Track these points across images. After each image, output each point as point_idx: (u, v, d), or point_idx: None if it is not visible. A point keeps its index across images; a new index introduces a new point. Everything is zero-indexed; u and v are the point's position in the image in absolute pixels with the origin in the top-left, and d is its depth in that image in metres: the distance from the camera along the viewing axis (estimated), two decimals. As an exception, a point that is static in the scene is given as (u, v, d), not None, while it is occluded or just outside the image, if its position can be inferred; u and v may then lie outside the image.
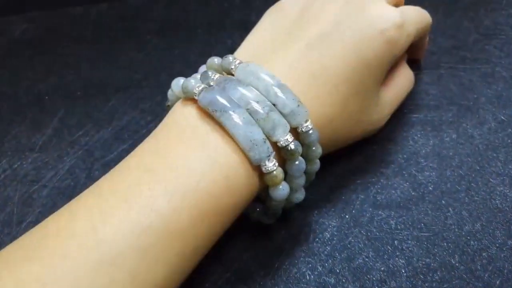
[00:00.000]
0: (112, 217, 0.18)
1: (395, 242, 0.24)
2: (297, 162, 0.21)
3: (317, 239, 0.24)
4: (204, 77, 0.22)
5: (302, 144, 0.22)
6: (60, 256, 0.17)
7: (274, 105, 0.21)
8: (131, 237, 0.18)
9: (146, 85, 0.33)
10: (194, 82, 0.21)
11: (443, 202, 0.25)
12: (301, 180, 0.22)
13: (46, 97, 0.33)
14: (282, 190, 0.21)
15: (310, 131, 0.21)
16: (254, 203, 0.23)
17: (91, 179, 0.28)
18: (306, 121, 0.21)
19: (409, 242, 0.24)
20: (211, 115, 0.20)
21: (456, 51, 0.33)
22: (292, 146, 0.21)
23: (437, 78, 0.32)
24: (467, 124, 0.29)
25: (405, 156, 0.27)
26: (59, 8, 0.37)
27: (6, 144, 0.30)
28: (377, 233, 0.24)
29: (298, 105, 0.21)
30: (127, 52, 0.35)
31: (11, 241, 0.25)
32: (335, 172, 0.27)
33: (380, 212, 0.25)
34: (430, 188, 0.26)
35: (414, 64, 0.32)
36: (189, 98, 0.22)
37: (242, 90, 0.21)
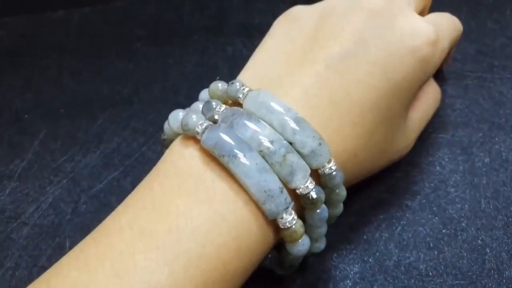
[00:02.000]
0: None
1: (427, 292, 0.21)
2: (318, 211, 0.18)
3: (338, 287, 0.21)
4: (208, 109, 0.19)
5: (324, 187, 0.18)
6: None
7: (290, 143, 0.17)
8: None
9: (137, 101, 0.29)
10: (195, 119, 0.18)
11: (479, 242, 0.22)
12: (323, 230, 0.19)
13: (26, 116, 0.29)
14: (302, 246, 0.18)
15: (334, 173, 0.18)
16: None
17: (77, 215, 0.25)
18: (329, 162, 0.18)
19: (443, 292, 0.21)
20: (217, 159, 0.17)
21: (482, 58, 0.30)
22: (313, 194, 0.17)
23: (463, 90, 0.28)
24: (500, 145, 0.26)
25: (432, 185, 0.24)
26: (36, 12, 0.33)
27: (-20, 172, 0.27)
28: (406, 281, 0.21)
29: (320, 144, 0.18)
30: (114, 62, 0.31)
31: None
32: (355, 206, 0.24)
33: (407, 254, 0.22)
34: (464, 225, 0.23)
35: (436, 73, 0.29)
36: (191, 136, 0.18)
37: (253, 127, 0.17)
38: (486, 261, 0.22)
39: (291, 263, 0.20)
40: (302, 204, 0.18)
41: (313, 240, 0.19)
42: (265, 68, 0.21)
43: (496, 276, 0.21)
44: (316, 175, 0.18)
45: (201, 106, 0.19)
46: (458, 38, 0.25)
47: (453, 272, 0.21)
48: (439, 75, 0.29)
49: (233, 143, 0.17)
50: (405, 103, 0.21)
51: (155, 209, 0.17)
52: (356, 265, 0.22)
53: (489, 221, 0.23)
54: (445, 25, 0.23)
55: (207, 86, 0.30)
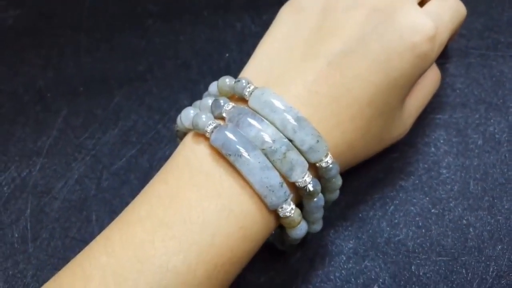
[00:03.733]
0: (126, 280, 0.18)
1: (412, 267, 0.23)
2: (315, 199, 0.20)
3: (332, 262, 0.24)
4: (216, 106, 0.20)
5: (321, 178, 0.20)
6: None
7: (291, 140, 0.19)
8: None
9: (151, 77, 0.31)
10: (205, 119, 0.20)
11: (464, 221, 0.24)
12: (319, 214, 0.21)
13: (48, 94, 0.31)
14: (300, 230, 0.20)
15: (330, 166, 0.20)
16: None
17: (101, 191, 0.27)
18: (326, 156, 0.20)
19: (427, 267, 0.23)
20: (225, 157, 0.19)
21: (488, 33, 0.30)
22: (311, 187, 0.19)
23: (465, 68, 0.29)
24: (494, 127, 0.27)
25: (426, 166, 0.26)
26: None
27: (12, 148, 0.29)
28: (394, 257, 0.24)
29: (318, 141, 0.19)
30: (128, 40, 0.32)
31: (26, 260, 0.25)
32: (352, 185, 0.26)
33: (397, 232, 0.24)
34: (451, 205, 0.25)
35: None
36: (201, 134, 0.20)
37: (257, 126, 0.19)
38: (469, 240, 0.24)
39: (291, 242, 0.22)
40: (300, 194, 0.20)
41: (310, 223, 0.21)
42: (269, 62, 0.22)
43: (476, 254, 0.23)
44: (314, 168, 0.20)
45: (210, 101, 0.21)
46: (461, 23, 0.25)
47: (437, 249, 0.24)
48: (442, 52, 0.30)
49: (239, 143, 0.19)
50: (402, 96, 0.23)
51: (171, 201, 0.19)
52: (351, 241, 0.24)
53: (475, 201, 0.25)
54: (447, 16, 0.23)
55: (218, 63, 0.31)
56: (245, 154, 0.19)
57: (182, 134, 0.22)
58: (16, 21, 0.33)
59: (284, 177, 0.19)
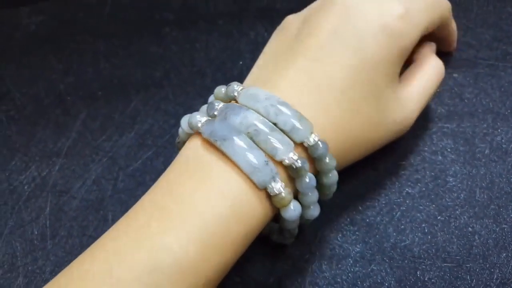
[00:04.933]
0: (125, 258, 0.19)
1: (418, 272, 0.24)
2: (306, 179, 0.21)
3: (339, 265, 0.25)
4: (210, 108, 0.22)
5: (313, 159, 0.21)
6: None
7: (275, 124, 0.21)
8: (143, 276, 0.18)
9: (167, 84, 0.32)
10: (198, 117, 0.22)
11: (470, 229, 0.25)
12: (313, 197, 0.21)
13: (68, 98, 0.32)
14: (292, 211, 0.21)
15: (318, 143, 0.21)
16: (272, 223, 0.24)
17: (117, 191, 0.28)
18: (311, 134, 0.21)
19: (432, 273, 0.24)
20: (214, 145, 0.21)
21: (497, 44, 0.31)
22: (297, 163, 0.20)
23: (473, 78, 0.30)
24: (502, 137, 0.27)
25: (432, 174, 0.27)
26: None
27: (33, 148, 0.31)
28: (400, 262, 0.24)
29: (300, 119, 0.21)
30: (145, 47, 0.33)
31: (45, 256, 0.27)
32: (360, 191, 0.26)
33: (404, 237, 0.25)
34: (457, 212, 0.25)
35: (446, 58, 0.30)
36: (196, 132, 0.22)
37: (242, 114, 0.21)
38: (474, 247, 0.24)
39: (289, 227, 0.22)
40: (290, 175, 0.21)
41: (306, 207, 0.22)
42: (260, 70, 0.24)
43: (481, 261, 0.24)
44: (303, 149, 0.21)
45: (205, 108, 0.23)
46: (445, 14, 0.26)
47: (443, 255, 0.24)
48: (451, 62, 0.30)
49: (224, 129, 0.20)
50: (388, 77, 0.23)
51: (169, 188, 0.21)
52: (358, 245, 0.25)
53: (481, 210, 0.25)
54: (421, 2, 0.25)
55: (231, 71, 0.32)
56: (230, 138, 0.20)
57: (182, 145, 0.24)
58: (39, 27, 0.35)
59: (271, 158, 0.20)
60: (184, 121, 0.23)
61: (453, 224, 0.25)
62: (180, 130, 0.23)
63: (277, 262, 0.25)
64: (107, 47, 0.34)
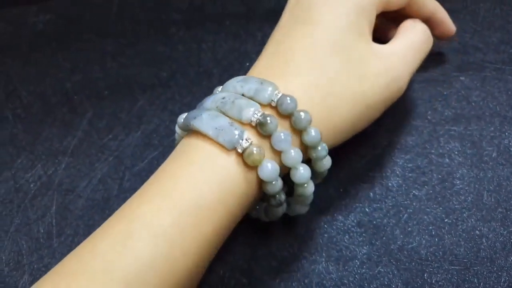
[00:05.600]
0: (107, 230, 0.20)
1: (425, 275, 0.24)
2: (277, 134, 0.21)
3: (346, 266, 0.25)
4: (197, 106, 0.23)
5: (285, 116, 0.22)
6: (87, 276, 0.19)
7: (242, 95, 0.22)
8: (118, 244, 0.19)
9: (174, 84, 0.32)
10: (185, 114, 0.23)
11: (477, 232, 0.25)
12: (295, 155, 0.21)
13: (75, 97, 0.32)
14: (267, 168, 0.21)
15: (285, 98, 0.21)
16: (260, 203, 0.24)
17: (123, 191, 0.28)
18: (275, 93, 0.21)
19: (439, 275, 0.24)
20: (191, 129, 0.22)
21: (504, 47, 0.31)
22: (262, 119, 0.21)
23: (480, 82, 0.30)
24: (509, 140, 0.27)
25: (439, 176, 0.27)
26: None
27: (39, 147, 0.31)
28: (407, 264, 0.24)
29: (262, 83, 0.22)
30: (152, 46, 0.33)
31: (51, 255, 0.26)
32: (367, 194, 0.26)
33: (411, 240, 0.25)
34: (465, 215, 0.25)
35: (453, 60, 0.31)
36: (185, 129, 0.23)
37: (214, 95, 0.22)
38: (481, 250, 0.24)
39: (270, 192, 0.21)
40: (262, 134, 0.21)
41: (292, 168, 0.21)
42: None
43: (488, 264, 0.24)
44: (276, 111, 0.21)
45: None
46: None
47: (450, 258, 0.24)
48: (459, 64, 0.30)
49: (196, 111, 0.22)
50: (358, 31, 0.24)
51: (160, 173, 0.22)
52: (365, 247, 0.25)
53: (488, 213, 0.25)
54: None
55: (238, 72, 0.32)
56: (199, 115, 0.21)
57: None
58: (46, 26, 0.35)
59: (238, 122, 0.21)
60: (177, 124, 0.24)
61: (460, 227, 0.25)
62: (176, 134, 0.24)
63: (284, 263, 0.25)
64: (114, 46, 0.34)
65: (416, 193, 0.26)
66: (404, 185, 0.27)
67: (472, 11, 0.33)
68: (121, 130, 0.31)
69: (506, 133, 0.27)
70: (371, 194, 0.26)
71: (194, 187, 0.20)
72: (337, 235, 0.26)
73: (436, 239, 0.25)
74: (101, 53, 0.33)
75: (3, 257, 0.26)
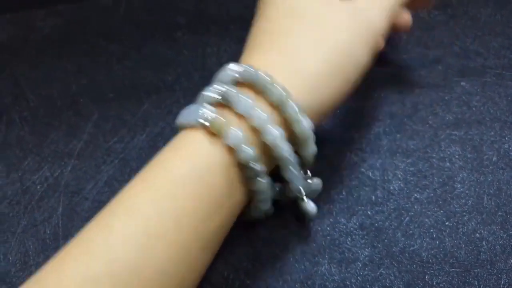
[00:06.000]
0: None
1: (426, 277, 0.24)
2: (240, 98, 0.22)
3: (349, 268, 0.25)
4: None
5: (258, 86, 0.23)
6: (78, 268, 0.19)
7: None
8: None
9: (179, 88, 0.32)
10: None
11: (478, 235, 0.25)
12: (261, 116, 0.22)
13: (81, 100, 0.33)
14: (231, 133, 0.21)
15: (250, 69, 0.23)
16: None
17: (129, 193, 0.29)
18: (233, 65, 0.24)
19: (440, 278, 0.24)
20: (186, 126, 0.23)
21: (504, 52, 0.31)
22: (223, 92, 0.23)
23: (481, 87, 0.30)
24: (509, 145, 0.28)
25: (440, 180, 0.27)
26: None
27: (45, 149, 0.31)
28: (408, 266, 0.25)
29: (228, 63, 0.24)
30: (157, 50, 0.34)
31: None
32: (368, 196, 0.27)
33: (412, 242, 0.25)
34: (465, 219, 0.26)
35: (454, 66, 0.31)
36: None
37: (204, 92, 0.24)
38: (481, 253, 0.25)
39: (242, 161, 0.22)
40: (233, 110, 0.22)
41: (264, 133, 0.22)
42: None
43: (488, 266, 0.24)
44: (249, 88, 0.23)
45: None
46: None
47: (451, 261, 0.25)
48: (459, 70, 0.31)
49: (186, 107, 0.23)
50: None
51: (152, 166, 0.23)
52: (367, 249, 0.25)
53: (489, 216, 0.26)
54: None
55: (241, 76, 0.33)
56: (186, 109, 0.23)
57: None
58: (53, 30, 0.35)
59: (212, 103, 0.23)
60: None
61: (461, 230, 0.25)
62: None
63: (287, 265, 0.25)
64: (120, 50, 0.34)
65: (418, 197, 0.27)
66: (405, 189, 0.27)
67: (473, 16, 0.33)
68: (127, 133, 0.31)
69: (506, 138, 0.28)
70: (373, 197, 0.27)
71: (169, 165, 0.22)
72: (340, 237, 0.26)
73: (437, 242, 0.25)
74: (107, 56, 0.34)
75: (10, 258, 0.27)
